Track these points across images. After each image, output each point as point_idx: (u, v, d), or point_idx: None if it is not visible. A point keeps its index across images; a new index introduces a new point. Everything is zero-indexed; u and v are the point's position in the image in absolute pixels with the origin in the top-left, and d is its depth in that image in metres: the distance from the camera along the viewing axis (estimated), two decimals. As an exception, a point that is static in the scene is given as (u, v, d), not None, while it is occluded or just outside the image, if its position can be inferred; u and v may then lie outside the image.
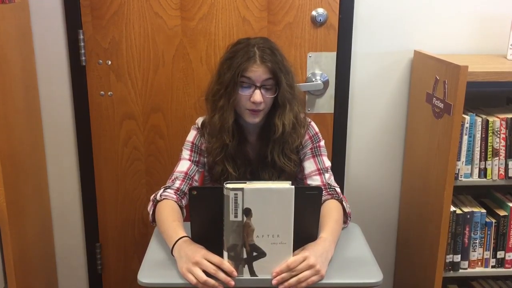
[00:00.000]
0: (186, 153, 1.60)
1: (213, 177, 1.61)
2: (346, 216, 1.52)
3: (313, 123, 1.63)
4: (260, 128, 1.58)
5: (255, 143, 1.61)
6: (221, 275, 1.23)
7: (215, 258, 1.24)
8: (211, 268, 1.23)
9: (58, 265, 2.21)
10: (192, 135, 1.62)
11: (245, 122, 1.56)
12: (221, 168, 1.56)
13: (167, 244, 1.37)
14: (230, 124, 1.51)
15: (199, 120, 1.63)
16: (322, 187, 1.53)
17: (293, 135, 1.54)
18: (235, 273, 1.23)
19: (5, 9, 1.70)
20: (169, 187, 1.53)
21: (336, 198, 1.52)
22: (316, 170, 1.57)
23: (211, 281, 1.22)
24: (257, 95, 1.46)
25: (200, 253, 1.25)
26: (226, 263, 1.24)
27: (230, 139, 1.52)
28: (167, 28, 1.95)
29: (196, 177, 1.59)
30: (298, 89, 1.58)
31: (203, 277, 1.22)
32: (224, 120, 1.50)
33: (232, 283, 1.23)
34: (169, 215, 1.44)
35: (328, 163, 1.60)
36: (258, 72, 1.46)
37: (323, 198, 1.51)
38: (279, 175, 1.57)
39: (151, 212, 1.51)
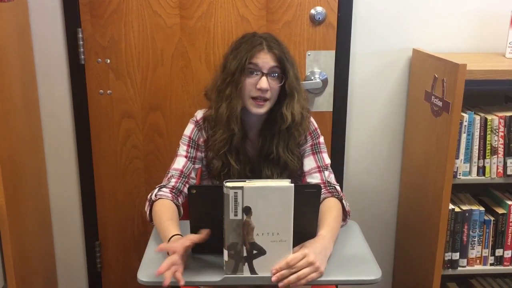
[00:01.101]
0: (182, 149, 1.59)
1: (213, 172, 1.59)
2: (345, 215, 1.52)
3: (312, 119, 1.63)
4: (262, 123, 1.58)
5: (256, 139, 1.60)
6: (167, 273, 1.19)
7: (194, 236, 1.24)
8: (165, 262, 1.20)
9: (57, 263, 2.21)
10: (189, 129, 1.60)
11: (247, 117, 1.55)
12: (221, 163, 1.55)
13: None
14: (239, 111, 1.49)
15: (198, 113, 1.62)
16: (322, 185, 1.53)
17: (299, 129, 1.54)
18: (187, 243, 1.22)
19: (4, 7, 1.69)
20: (164, 186, 1.53)
21: (336, 196, 1.52)
22: (315, 168, 1.57)
23: (167, 273, 1.19)
24: (264, 82, 1.45)
25: (178, 241, 1.24)
26: (193, 236, 1.23)
27: (238, 128, 1.51)
28: (166, 27, 1.95)
29: (193, 175, 1.58)
30: (302, 85, 1.58)
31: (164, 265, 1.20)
32: (232, 108, 1.48)
33: (166, 282, 1.19)
34: (163, 214, 1.44)
35: (328, 161, 1.60)
36: (265, 59, 1.46)
37: (323, 195, 1.51)
38: (282, 172, 1.57)
39: (148, 212, 1.51)
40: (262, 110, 1.50)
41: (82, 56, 1.96)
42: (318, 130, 1.62)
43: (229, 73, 1.48)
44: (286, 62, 1.47)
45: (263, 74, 1.46)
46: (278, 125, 1.53)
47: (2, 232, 1.68)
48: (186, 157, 1.57)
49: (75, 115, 2.03)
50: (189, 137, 1.59)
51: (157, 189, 1.52)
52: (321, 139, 1.62)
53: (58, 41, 1.95)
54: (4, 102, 1.70)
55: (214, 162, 1.57)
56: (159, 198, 1.49)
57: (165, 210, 1.45)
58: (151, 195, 1.51)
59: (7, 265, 1.70)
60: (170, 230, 1.35)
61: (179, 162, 1.57)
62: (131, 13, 1.93)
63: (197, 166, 1.60)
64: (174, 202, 1.49)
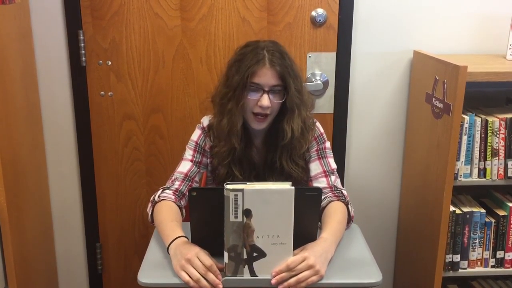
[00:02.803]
0: (188, 153, 1.60)
1: (218, 179, 1.60)
2: (349, 219, 1.51)
3: (318, 124, 1.63)
4: (266, 132, 1.58)
5: (261, 147, 1.60)
6: (210, 276, 1.23)
7: (206, 259, 1.25)
8: (201, 268, 1.23)
9: (58, 265, 2.21)
10: (196, 134, 1.61)
11: (252, 127, 1.56)
12: (226, 171, 1.56)
13: (164, 243, 1.37)
14: (239, 127, 1.50)
15: (204, 119, 1.63)
16: (328, 189, 1.53)
17: (301, 141, 1.53)
18: (219, 279, 1.24)
19: (5, 9, 1.70)
20: (167, 188, 1.54)
21: (342, 200, 1.52)
22: (322, 172, 1.57)
23: (203, 280, 1.22)
24: (265, 100, 1.45)
25: (194, 251, 1.25)
26: (215, 266, 1.24)
27: (238, 142, 1.52)
28: (167, 29, 1.95)
29: (197, 179, 1.59)
30: (307, 94, 1.56)
31: (196, 275, 1.22)
32: (233, 124, 1.49)
33: (220, 286, 1.23)
34: (168, 215, 1.44)
35: (334, 165, 1.60)
36: (267, 76, 1.45)
37: (329, 199, 1.51)
38: (286, 181, 1.57)
39: (150, 213, 1.51)
40: (263, 125, 1.51)
41: (83, 58, 1.97)
42: (324, 135, 1.62)
43: (231, 88, 1.48)
44: (288, 77, 1.46)
45: (264, 91, 1.46)
46: (280, 139, 1.53)
47: (3, 234, 1.68)
48: (191, 161, 1.58)
49: (76, 117, 2.03)
50: (196, 143, 1.60)
51: (160, 190, 1.53)
52: (327, 144, 1.61)
53: (59, 43, 1.95)
54: (6, 104, 1.70)
55: (219, 170, 1.58)
56: (162, 200, 1.50)
57: (168, 211, 1.46)
58: (154, 196, 1.52)
59: (8, 266, 1.71)
60: (175, 231, 1.36)
61: (185, 166, 1.58)
62: (132, 15, 1.93)
63: (202, 171, 1.61)
64: (176, 204, 1.50)
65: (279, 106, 1.50)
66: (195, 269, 1.23)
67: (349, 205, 1.51)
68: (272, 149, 1.56)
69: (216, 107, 1.55)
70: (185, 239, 1.33)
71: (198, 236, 1.31)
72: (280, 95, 1.48)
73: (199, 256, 1.25)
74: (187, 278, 1.23)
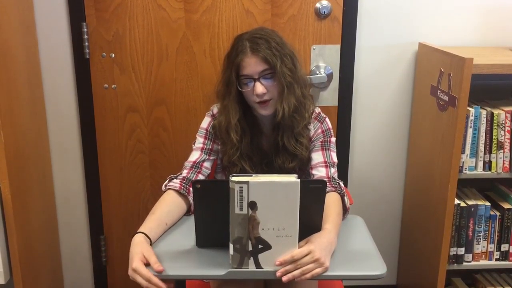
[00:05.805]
0: (199, 142, 1.60)
1: (230, 174, 1.60)
2: (344, 211, 1.52)
3: (327, 119, 1.63)
4: (274, 120, 1.59)
5: (271, 134, 1.61)
6: (154, 281, 1.23)
7: (144, 271, 1.24)
8: (144, 282, 1.24)
9: (63, 257, 2.22)
10: (206, 122, 1.62)
11: (260, 114, 1.56)
12: (239, 168, 1.56)
13: None
14: (236, 121, 1.51)
15: (214, 107, 1.63)
16: (326, 180, 1.53)
17: (296, 118, 1.53)
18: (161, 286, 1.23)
19: (9, 2, 1.69)
20: (175, 177, 1.54)
21: (339, 192, 1.52)
22: (322, 162, 1.57)
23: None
24: (258, 88, 1.46)
25: (137, 258, 1.26)
26: (154, 278, 1.23)
27: (237, 138, 1.52)
28: (170, 21, 1.94)
29: (206, 165, 1.58)
30: (301, 71, 1.56)
31: (144, 283, 1.24)
32: (228, 120, 1.51)
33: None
34: (154, 208, 1.46)
35: (335, 159, 1.60)
36: (251, 65, 1.46)
37: (326, 189, 1.51)
38: (292, 159, 1.57)
39: None
40: (269, 110, 1.52)
41: (87, 51, 1.96)
42: (331, 130, 1.62)
43: (224, 84, 1.51)
44: (273, 58, 1.45)
45: (255, 80, 1.47)
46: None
47: (8, 226, 1.69)
48: (202, 149, 1.59)
49: (80, 109, 2.03)
50: (206, 130, 1.60)
51: (168, 180, 1.54)
52: (333, 139, 1.62)
53: (63, 35, 1.95)
54: (10, 96, 1.70)
55: (232, 168, 1.58)
56: (168, 189, 1.51)
57: (158, 204, 1.47)
58: (163, 186, 1.53)
59: (13, 259, 1.71)
60: (144, 225, 1.38)
61: (194, 155, 1.59)
62: (136, 7, 1.92)
63: (212, 157, 1.60)
64: (180, 192, 1.50)
65: (279, 88, 1.50)
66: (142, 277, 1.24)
67: (344, 197, 1.52)
68: (276, 131, 1.57)
69: (219, 106, 1.58)
70: (140, 235, 1.33)
71: (202, 228, 1.31)
72: (272, 77, 1.49)
73: (140, 263, 1.25)
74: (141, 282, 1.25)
